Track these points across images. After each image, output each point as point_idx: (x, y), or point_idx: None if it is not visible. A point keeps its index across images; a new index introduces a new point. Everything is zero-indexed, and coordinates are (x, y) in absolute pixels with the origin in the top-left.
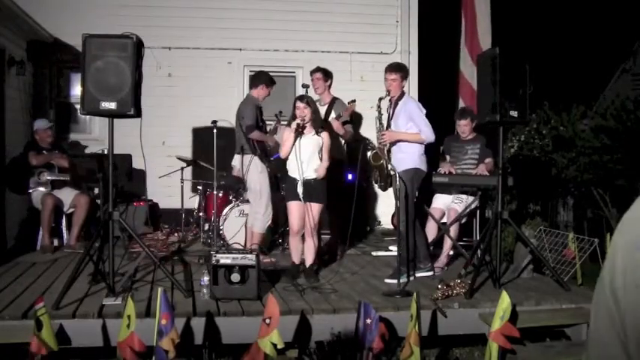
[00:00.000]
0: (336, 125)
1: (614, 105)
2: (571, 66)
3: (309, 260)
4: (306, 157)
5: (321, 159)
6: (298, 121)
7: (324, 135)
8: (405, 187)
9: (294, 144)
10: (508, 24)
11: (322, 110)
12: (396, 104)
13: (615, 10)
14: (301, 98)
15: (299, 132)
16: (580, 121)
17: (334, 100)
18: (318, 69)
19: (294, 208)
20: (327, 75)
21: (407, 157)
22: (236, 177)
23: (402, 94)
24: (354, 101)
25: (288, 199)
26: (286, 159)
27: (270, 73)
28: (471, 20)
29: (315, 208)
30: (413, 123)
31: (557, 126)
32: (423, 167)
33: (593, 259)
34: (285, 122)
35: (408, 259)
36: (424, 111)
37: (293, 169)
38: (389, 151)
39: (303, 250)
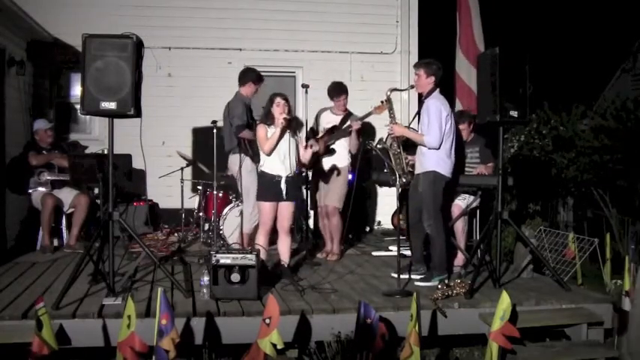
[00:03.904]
0: (357, 127)
1: (614, 105)
2: (571, 66)
3: (287, 258)
4: (288, 155)
5: (297, 156)
6: (285, 115)
7: (301, 135)
8: (423, 190)
9: (280, 141)
10: (508, 24)
11: (337, 119)
12: (423, 102)
13: (615, 10)
14: (279, 95)
15: (286, 127)
16: (580, 121)
17: (350, 114)
18: (343, 91)
19: (268, 207)
20: (347, 94)
21: (426, 160)
22: (229, 176)
23: (431, 92)
24: (385, 101)
25: (263, 199)
26: (268, 156)
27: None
28: (466, 20)
29: (291, 206)
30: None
31: (557, 126)
32: (443, 170)
33: (593, 259)
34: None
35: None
36: (445, 113)
37: (275, 167)
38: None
39: (279, 249)
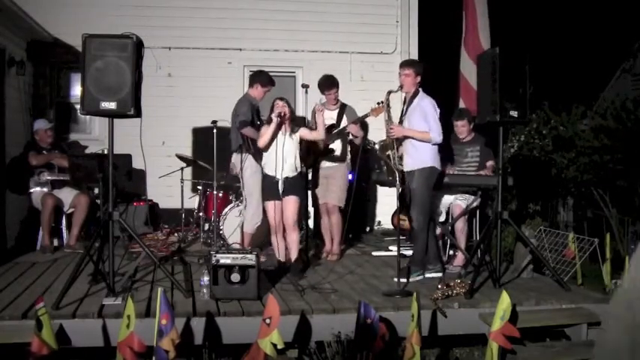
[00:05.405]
0: (355, 129)
1: (614, 105)
2: (571, 66)
3: (293, 254)
4: (286, 156)
5: (300, 157)
6: (278, 111)
7: (300, 131)
8: (417, 186)
9: (273, 138)
10: (508, 24)
11: (332, 115)
12: (411, 101)
13: (615, 10)
14: (280, 99)
15: (280, 123)
16: (580, 121)
17: (344, 106)
18: (334, 85)
19: (271, 207)
20: (338, 87)
21: (422, 156)
22: (234, 175)
23: (417, 91)
24: (381, 102)
25: (266, 199)
26: (264, 155)
27: (270, 73)
28: (471, 21)
29: (292, 201)
30: (425, 121)
31: (557, 126)
32: (438, 165)
33: (593, 259)
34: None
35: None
36: (438, 110)
37: (271, 167)
38: (398, 147)
39: (286, 245)
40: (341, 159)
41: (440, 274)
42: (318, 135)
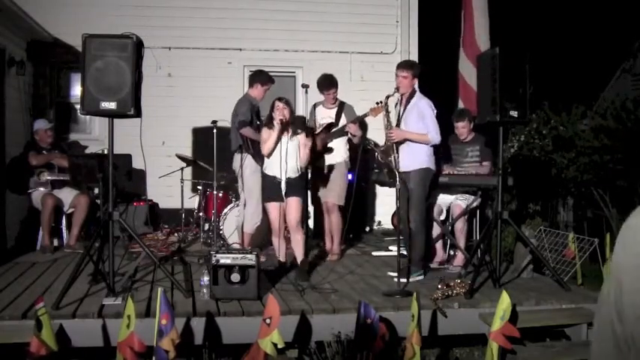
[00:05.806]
0: (354, 128)
1: (614, 105)
2: (571, 66)
3: (299, 255)
4: (288, 157)
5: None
6: (281, 117)
7: (301, 136)
8: (414, 187)
9: (278, 142)
10: (508, 24)
11: (331, 113)
12: (408, 102)
13: (615, 10)
14: (280, 99)
15: (284, 128)
16: (580, 121)
17: (343, 105)
18: (333, 84)
19: (273, 208)
20: (337, 87)
21: (418, 157)
22: (231, 176)
23: (414, 92)
24: (381, 102)
25: (267, 200)
26: (268, 158)
27: (270, 73)
28: (469, 21)
29: (294, 202)
30: (423, 123)
31: (557, 126)
32: (433, 166)
33: (593, 259)
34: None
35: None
36: (435, 111)
37: (274, 169)
38: (397, 149)
39: (291, 247)
40: (340, 158)
41: (421, 277)
42: (306, 154)
